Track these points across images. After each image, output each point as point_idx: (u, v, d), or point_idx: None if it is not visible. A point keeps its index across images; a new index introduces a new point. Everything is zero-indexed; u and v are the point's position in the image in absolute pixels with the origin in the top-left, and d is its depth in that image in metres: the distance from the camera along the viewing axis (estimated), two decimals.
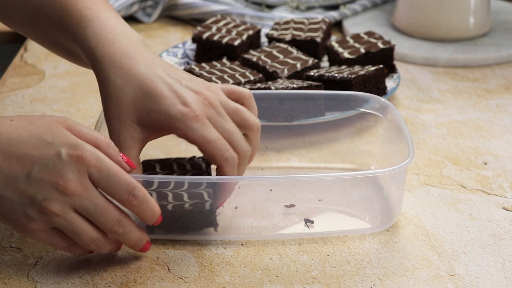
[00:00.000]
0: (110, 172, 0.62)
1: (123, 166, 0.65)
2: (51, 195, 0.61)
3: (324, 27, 1.08)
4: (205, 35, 1.06)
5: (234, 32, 1.07)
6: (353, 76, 0.91)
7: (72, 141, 0.62)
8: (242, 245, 0.71)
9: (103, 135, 0.65)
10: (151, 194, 0.66)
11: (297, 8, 1.31)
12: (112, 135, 0.67)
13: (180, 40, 1.22)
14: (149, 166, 0.73)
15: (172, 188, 0.68)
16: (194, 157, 0.74)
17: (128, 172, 0.65)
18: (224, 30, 1.08)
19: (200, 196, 0.68)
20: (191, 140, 0.67)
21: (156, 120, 0.66)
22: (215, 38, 1.05)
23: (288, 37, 1.06)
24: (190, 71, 0.94)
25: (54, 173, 0.61)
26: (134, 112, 0.66)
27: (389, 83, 0.98)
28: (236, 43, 1.04)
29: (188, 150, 0.87)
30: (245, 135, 0.69)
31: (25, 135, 0.61)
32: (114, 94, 0.66)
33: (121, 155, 0.65)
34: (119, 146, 0.66)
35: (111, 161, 0.63)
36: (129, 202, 0.63)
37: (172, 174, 0.71)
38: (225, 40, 1.04)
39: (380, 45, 1.01)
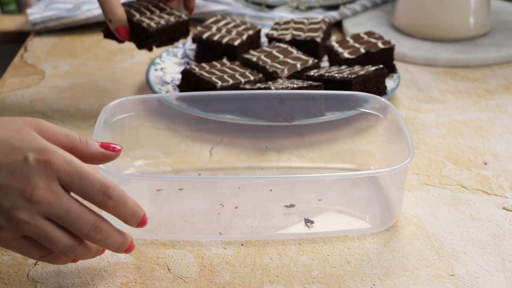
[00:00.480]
0: (81, 174, 0.60)
1: (107, 155, 0.63)
2: (18, 202, 0.58)
3: (324, 27, 1.08)
4: (205, 35, 1.06)
5: (234, 32, 1.07)
6: (353, 76, 0.91)
7: (41, 145, 0.59)
8: (242, 245, 0.71)
9: (78, 134, 0.63)
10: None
11: (297, 8, 1.31)
12: None
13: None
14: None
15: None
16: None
17: (115, 158, 0.64)
18: (224, 30, 1.08)
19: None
20: None
21: None
22: (215, 38, 1.05)
23: (288, 37, 1.06)
24: (190, 71, 0.94)
25: (21, 179, 0.58)
26: None
27: (389, 83, 0.98)
28: (236, 43, 1.04)
29: (188, 151, 0.87)
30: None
31: None
32: None
33: (99, 143, 0.63)
34: None
35: (82, 162, 0.60)
36: (104, 204, 0.61)
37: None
38: (225, 40, 1.04)
39: (380, 45, 1.00)
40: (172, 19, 0.93)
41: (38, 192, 0.58)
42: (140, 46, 0.93)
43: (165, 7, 0.96)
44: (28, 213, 0.58)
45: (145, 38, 0.92)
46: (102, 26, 0.96)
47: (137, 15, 0.92)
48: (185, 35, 0.96)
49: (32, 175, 0.58)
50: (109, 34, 0.95)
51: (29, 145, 0.59)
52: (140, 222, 0.63)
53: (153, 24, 0.91)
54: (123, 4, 0.93)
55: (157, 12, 0.95)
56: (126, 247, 0.64)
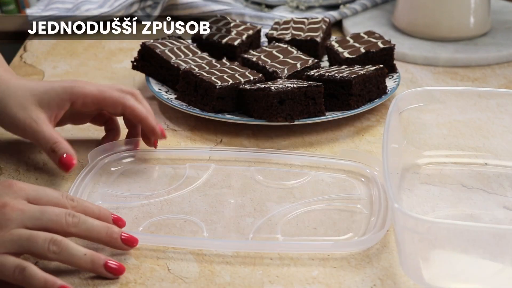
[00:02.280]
0: (40, 187, 0.69)
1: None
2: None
3: (324, 26, 1.08)
4: (205, 35, 1.06)
5: (234, 32, 1.07)
6: (353, 76, 0.91)
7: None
8: None
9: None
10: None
11: (297, 8, 1.31)
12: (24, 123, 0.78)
13: None
14: None
15: None
16: None
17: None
18: (223, 30, 1.07)
19: None
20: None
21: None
22: (215, 38, 1.05)
23: (288, 37, 1.06)
24: (189, 71, 0.94)
25: None
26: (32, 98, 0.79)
27: (389, 83, 0.98)
28: (236, 43, 1.04)
29: (188, 151, 0.87)
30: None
31: None
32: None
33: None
34: (34, 129, 0.78)
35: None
36: (69, 204, 0.69)
37: None
38: (225, 40, 1.04)
39: (380, 45, 1.00)
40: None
41: (9, 205, 0.65)
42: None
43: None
44: (5, 230, 0.64)
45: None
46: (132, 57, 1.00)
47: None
48: None
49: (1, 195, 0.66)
50: (137, 66, 1.00)
51: None
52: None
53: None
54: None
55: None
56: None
